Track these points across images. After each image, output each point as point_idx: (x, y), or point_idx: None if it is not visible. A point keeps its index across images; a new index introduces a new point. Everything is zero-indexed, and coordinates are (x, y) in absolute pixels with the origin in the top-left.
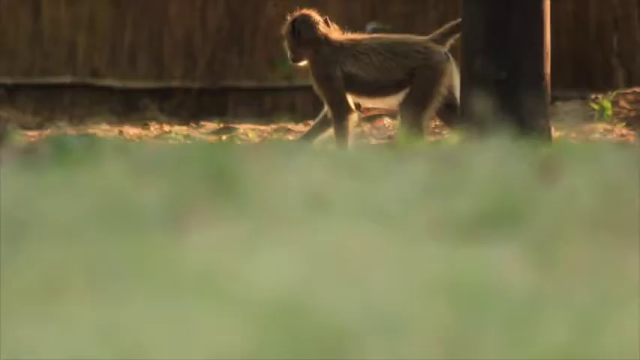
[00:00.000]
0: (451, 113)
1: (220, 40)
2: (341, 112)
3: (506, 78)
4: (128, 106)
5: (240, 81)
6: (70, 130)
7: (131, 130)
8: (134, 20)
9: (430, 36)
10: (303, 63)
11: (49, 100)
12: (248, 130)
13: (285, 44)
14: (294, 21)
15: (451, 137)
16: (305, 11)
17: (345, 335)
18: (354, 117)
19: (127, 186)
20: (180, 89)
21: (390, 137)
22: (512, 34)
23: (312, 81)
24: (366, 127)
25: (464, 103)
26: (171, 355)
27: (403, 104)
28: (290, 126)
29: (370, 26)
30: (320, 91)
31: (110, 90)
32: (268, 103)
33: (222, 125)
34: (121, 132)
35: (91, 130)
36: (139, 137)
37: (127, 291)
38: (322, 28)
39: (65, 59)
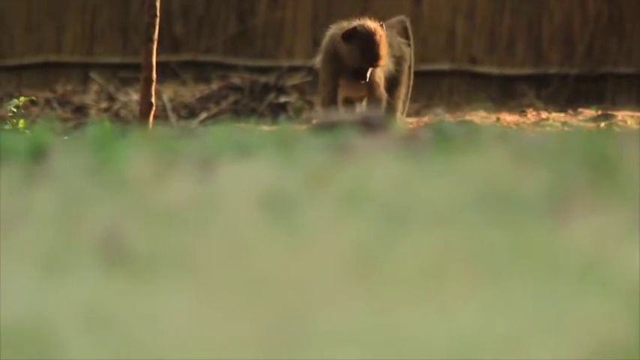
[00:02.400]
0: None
1: (600, 25)
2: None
3: None
4: (505, 92)
5: (618, 67)
6: (449, 117)
7: (508, 117)
8: (513, 6)
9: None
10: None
11: (428, 87)
12: (627, 117)
13: (385, 53)
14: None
15: None
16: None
17: None
18: None
19: (508, 174)
20: (557, 76)
21: None
22: None
23: (376, 78)
24: None
25: None
26: (554, 341)
27: (394, 93)
28: None
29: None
30: (381, 86)
31: (488, 77)
32: None
33: (600, 112)
34: (498, 119)
35: (468, 117)
36: (517, 124)
37: (508, 278)
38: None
39: (444, 46)
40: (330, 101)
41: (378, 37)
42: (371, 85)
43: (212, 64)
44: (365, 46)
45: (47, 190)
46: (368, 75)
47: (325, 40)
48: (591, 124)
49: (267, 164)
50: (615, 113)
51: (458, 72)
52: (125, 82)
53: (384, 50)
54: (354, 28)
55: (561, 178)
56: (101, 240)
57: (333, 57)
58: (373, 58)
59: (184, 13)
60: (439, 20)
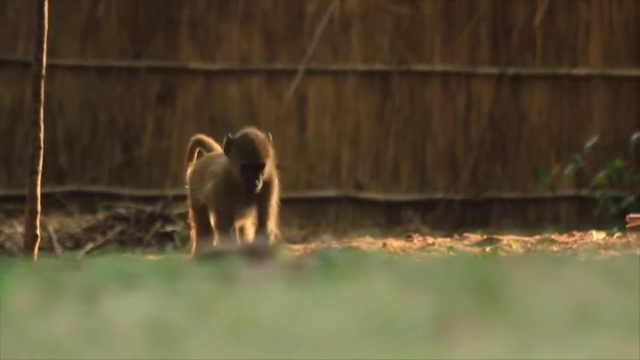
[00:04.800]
0: None
1: (483, 151)
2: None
3: None
4: (391, 218)
5: (503, 192)
6: (335, 244)
7: (394, 243)
8: (397, 132)
9: None
10: None
11: (314, 214)
12: (512, 241)
13: (265, 169)
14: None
15: None
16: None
17: None
18: None
19: (393, 299)
20: (442, 201)
21: None
22: None
23: (269, 201)
24: (632, 237)
25: None
26: None
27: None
28: (554, 237)
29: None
30: (274, 209)
31: (374, 203)
32: (532, 213)
33: (485, 237)
34: (384, 245)
35: (354, 243)
36: (403, 250)
37: None
38: None
39: (330, 173)
40: (229, 226)
41: (254, 136)
42: (263, 211)
43: (98, 195)
44: (243, 146)
45: None
46: (259, 183)
47: (218, 168)
48: (477, 249)
49: (152, 295)
50: (500, 237)
51: (344, 198)
52: (10, 214)
53: (264, 150)
54: (228, 137)
55: (446, 303)
56: None
57: (227, 181)
58: (253, 156)
59: (69, 144)
60: (324, 147)
